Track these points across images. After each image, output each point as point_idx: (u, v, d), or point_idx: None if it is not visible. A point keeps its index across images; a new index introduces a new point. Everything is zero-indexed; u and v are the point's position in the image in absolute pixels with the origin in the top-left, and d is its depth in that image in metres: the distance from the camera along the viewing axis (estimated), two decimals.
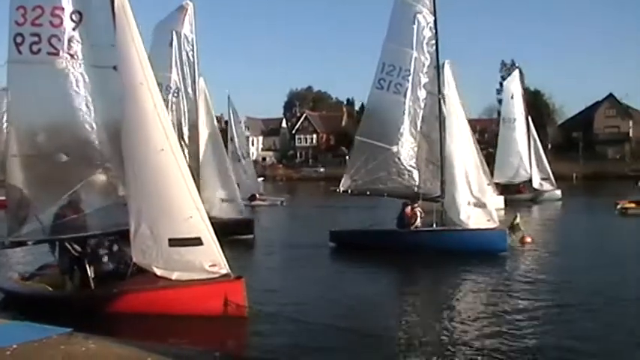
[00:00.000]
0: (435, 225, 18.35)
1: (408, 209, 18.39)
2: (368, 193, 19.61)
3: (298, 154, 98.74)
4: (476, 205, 17.64)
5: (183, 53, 21.52)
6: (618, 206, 28.73)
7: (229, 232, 17.39)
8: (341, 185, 19.60)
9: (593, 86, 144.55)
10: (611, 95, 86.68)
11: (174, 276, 10.44)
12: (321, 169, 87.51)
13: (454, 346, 8.81)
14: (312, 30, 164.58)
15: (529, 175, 37.31)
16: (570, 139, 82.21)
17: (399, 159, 18.95)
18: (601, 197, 40.12)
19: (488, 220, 17.60)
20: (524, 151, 37.66)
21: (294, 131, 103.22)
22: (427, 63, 19.17)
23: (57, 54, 10.83)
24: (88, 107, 10.94)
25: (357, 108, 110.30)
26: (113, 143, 10.95)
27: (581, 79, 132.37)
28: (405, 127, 19.05)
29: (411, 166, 18.98)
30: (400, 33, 19.24)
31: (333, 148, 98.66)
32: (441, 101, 18.97)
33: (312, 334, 9.56)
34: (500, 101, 56.63)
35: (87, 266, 11.01)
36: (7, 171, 11.11)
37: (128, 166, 10.54)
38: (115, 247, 11.43)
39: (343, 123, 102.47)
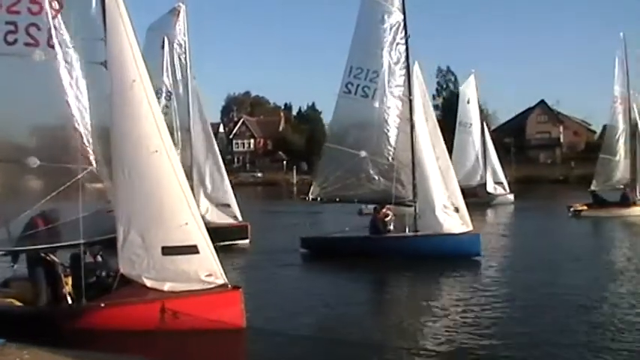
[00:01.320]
0: (407, 229, 18.42)
1: (380, 215, 18.22)
2: (337, 200, 19.33)
3: (236, 159, 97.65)
4: (449, 208, 17.91)
5: (175, 57, 21.17)
6: (572, 209, 30.08)
7: (223, 238, 17.20)
8: (310, 193, 19.34)
9: (525, 93, 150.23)
10: (542, 102, 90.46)
11: (167, 287, 9.94)
12: (259, 174, 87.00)
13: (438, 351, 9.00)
14: (249, 34, 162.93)
15: (484, 179, 38.40)
16: (503, 144, 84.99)
17: (368, 164, 18.84)
18: (550, 200, 41.93)
19: (462, 224, 17.79)
20: (480, 156, 38.69)
21: (231, 136, 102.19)
22: (397, 64, 19.14)
23: (36, 45, 10.01)
24: (69, 105, 10.13)
25: (294, 113, 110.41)
26: (99, 145, 10.35)
27: (513, 86, 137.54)
28: (374, 131, 18.96)
29: (381, 170, 18.89)
30: (369, 34, 19.14)
31: (270, 153, 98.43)
32: (412, 103, 19.00)
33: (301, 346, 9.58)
34: (436, 107, 57.90)
35: (62, 279, 10.35)
36: None
37: (118, 169, 9.94)
38: (98, 258, 10.89)
39: (281, 128, 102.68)
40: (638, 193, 31.01)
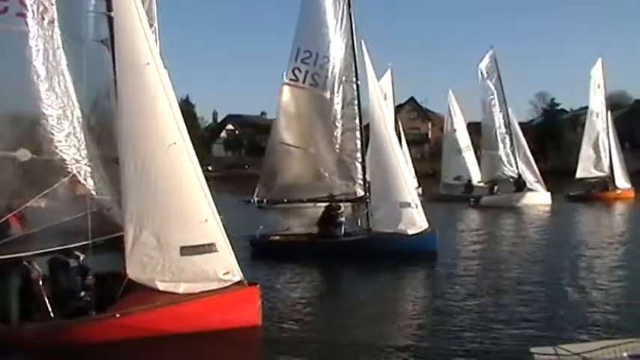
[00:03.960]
0: (359, 227, 19.14)
1: (332, 214, 18.72)
2: (285, 201, 19.56)
3: None
4: (405, 206, 18.50)
5: None
6: (471, 200, 37.36)
7: None
8: (255, 195, 19.28)
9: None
10: (412, 99, 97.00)
11: (182, 289, 10.14)
12: None
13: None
14: None
15: None
16: None
17: (317, 161, 19.34)
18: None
19: (419, 222, 18.56)
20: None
21: None
22: (343, 45, 19.51)
23: (26, 16, 9.63)
24: (67, 90, 9.95)
25: None
26: (96, 137, 10.26)
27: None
28: (324, 124, 19.44)
29: (330, 167, 19.44)
30: (315, 10, 19.34)
31: None
32: (359, 88, 19.58)
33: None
34: None
35: (42, 290, 9.90)
36: None
37: (127, 164, 9.93)
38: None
39: None
40: (527, 183, 37.72)
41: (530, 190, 37.47)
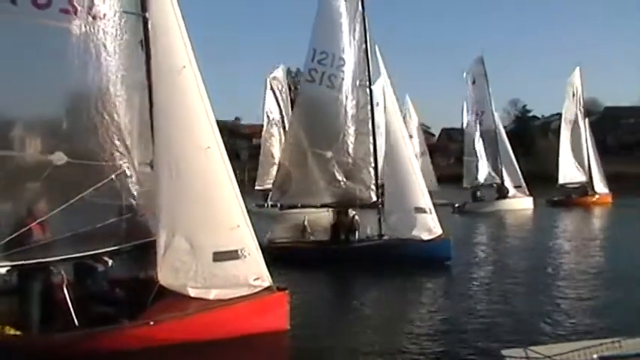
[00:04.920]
0: (370, 234, 19.25)
1: (347, 220, 18.85)
2: (299, 205, 19.56)
3: None
4: (419, 211, 18.63)
5: None
6: (456, 205, 37.60)
7: None
8: (269, 199, 19.27)
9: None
10: None
11: (213, 295, 10.20)
12: None
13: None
14: None
15: None
16: None
17: (334, 165, 19.34)
18: None
19: (433, 227, 18.66)
20: None
21: None
22: (357, 49, 19.65)
23: (73, 12, 9.48)
24: (108, 92, 9.78)
25: None
26: (131, 140, 10.13)
27: None
28: (340, 128, 19.49)
29: (346, 171, 19.48)
30: (331, 12, 19.45)
31: None
32: (371, 93, 19.73)
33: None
34: None
35: (67, 297, 9.73)
36: None
37: (163, 168, 9.99)
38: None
39: None
40: (509, 190, 39.63)
41: (514, 197, 39.29)
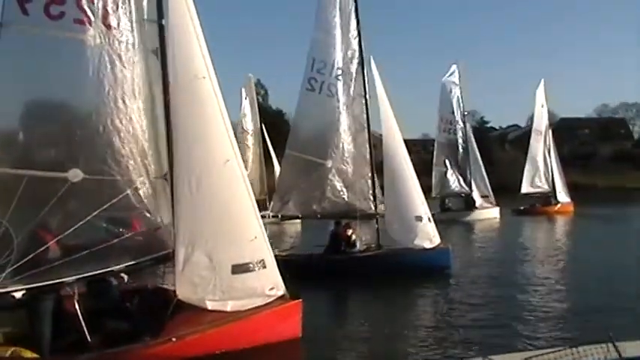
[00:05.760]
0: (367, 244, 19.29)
1: (348, 231, 18.91)
2: (300, 216, 19.72)
3: None
4: (419, 220, 18.74)
5: None
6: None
7: None
8: (270, 209, 19.16)
9: None
10: None
11: (230, 307, 10.16)
12: None
13: None
14: None
15: None
16: None
17: (333, 175, 19.33)
18: None
19: (433, 236, 18.85)
20: None
21: None
22: (353, 58, 19.78)
23: (88, 23, 9.31)
24: (122, 102, 9.54)
25: None
26: (147, 154, 9.95)
27: None
28: (339, 137, 19.50)
29: (345, 181, 19.48)
30: (327, 21, 19.55)
31: None
32: (367, 104, 19.85)
33: None
34: None
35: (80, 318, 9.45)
36: None
37: (183, 181, 9.88)
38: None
39: None
40: (477, 199, 41.03)
41: (481, 207, 40.70)
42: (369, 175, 19.68)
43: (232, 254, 10.04)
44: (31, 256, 8.94)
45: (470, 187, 41.00)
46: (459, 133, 41.75)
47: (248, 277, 10.18)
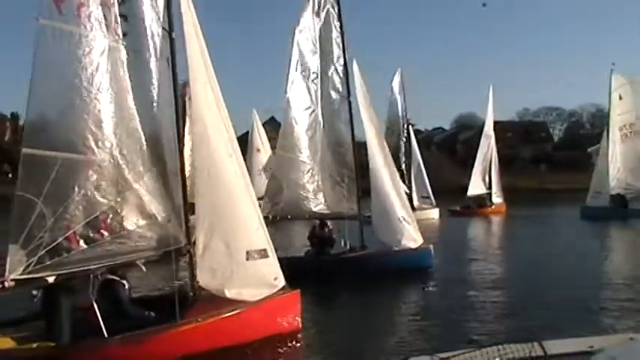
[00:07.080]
0: (347, 244, 19.94)
1: (326, 231, 19.74)
2: (289, 217, 20.37)
3: None
4: (404, 221, 19.49)
5: None
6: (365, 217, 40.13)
7: None
8: (260, 211, 19.63)
9: None
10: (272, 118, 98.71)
11: (245, 295, 10.97)
12: None
13: None
14: None
15: None
16: None
17: (320, 177, 19.93)
18: None
19: (416, 237, 19.67)
20: None
21: None
22: (335, 61, 20.51)
23: (106, 27, 10.08)
24: (126, 103, 10.30)
25: (21, 123, 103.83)
26: (151, 149, 10.69)
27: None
28: (322, 138, 20.11)
29: (331, 183, 20.15)
30: (307, 26, 20.20)
31: None
32: (351, 105, 20.63)
33: None
34: None
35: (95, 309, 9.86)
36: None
37: (200, 176, 10.93)
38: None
39: (6, 138, 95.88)
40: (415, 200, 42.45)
41: (419, 207, 41.64)
42: (353, 176, 20.25)
43: (246, 241, 11.08)
44: (59, 240, 9.37)
45: (410, 188, 42.19)
46: (401, 135, 44.04)
47: (259, 265, 11.16)
